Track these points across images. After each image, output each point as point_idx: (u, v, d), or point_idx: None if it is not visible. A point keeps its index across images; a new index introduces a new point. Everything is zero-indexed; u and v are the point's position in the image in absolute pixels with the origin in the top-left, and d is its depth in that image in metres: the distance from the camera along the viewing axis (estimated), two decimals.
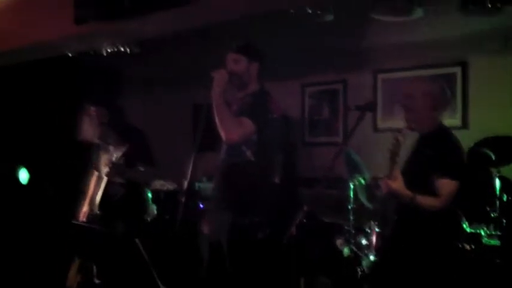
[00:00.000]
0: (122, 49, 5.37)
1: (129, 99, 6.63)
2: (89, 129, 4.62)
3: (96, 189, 4.66)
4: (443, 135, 3.25)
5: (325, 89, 6.24)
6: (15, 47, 5.27)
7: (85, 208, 4.60)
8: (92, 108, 4.58)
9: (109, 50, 5.37)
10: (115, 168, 4.27)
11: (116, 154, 4.33)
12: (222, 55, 3.59)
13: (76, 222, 3.23)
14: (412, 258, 3.13)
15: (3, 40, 5.29)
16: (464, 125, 5.12)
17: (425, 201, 3.09)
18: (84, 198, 4.68)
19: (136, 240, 2.89)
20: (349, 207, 4.67)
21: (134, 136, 4.46)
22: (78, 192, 4.88)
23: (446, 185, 3.10)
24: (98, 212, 4.44)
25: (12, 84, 6.31)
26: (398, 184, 3.11)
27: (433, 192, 3.11)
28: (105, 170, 4.54)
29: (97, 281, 4.82)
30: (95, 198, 4.57)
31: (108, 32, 4.77)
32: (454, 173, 3.12)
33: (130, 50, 5.43)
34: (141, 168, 4.41)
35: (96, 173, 4.75)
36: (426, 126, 3.28)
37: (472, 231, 3.68)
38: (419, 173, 3.15)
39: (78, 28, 4.59)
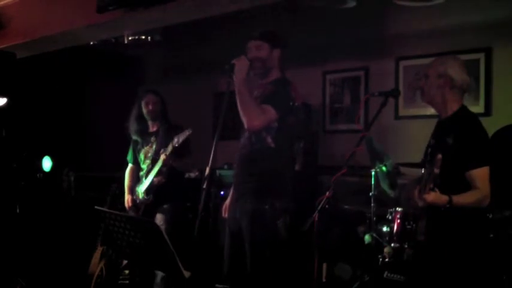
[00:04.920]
0: (144, 37, 5.39)
1: (150, 87, 6.65)
2: (137, 120, 4.78)
3: (133, 179, 4.77)
4: (465, 118, 3.14)
5: (346, 76, 6.21)
6: (39, 37, 5.32)
7: (128, 197, 4.73)
8: (149, 96, 4.74)
9: (130, 38, 5.39)
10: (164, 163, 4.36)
11: (165, 147, 4.39)
12: (243, 42, 3.59)
13: (99, 208, 3.24)
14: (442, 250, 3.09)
15: (26, 31, 5.35)
16: (487, 111, 5.07)
17: (464, 199, 2.96)
18: (125, 189, 4.83)
19: (162, 226, 2.92)
20: (371, 194, 4.67)
21: (178, 130, 4.52)
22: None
23: (479, 174, 2.98)
24: (145, 198, 4.55)
25: (41, 73, 6.39)
26: (433, 196, 2.90)
27: (465, 184, 3.00)
28: (146, 161, 4.63)
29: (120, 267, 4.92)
30: (135, 187, 4.66)
31: (130, 20, 4.79)
32: (484, 159, 3.00)
33: (151, 38, 5.46)
34: (183, 160, 4.51)
35: (131, 165, 4.86)
36: (445, 107, 3.19)
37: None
38: (447, 167, 2.93)
39: (101, 17, 4.63)
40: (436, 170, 2.80)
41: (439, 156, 2.81)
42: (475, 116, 3.22)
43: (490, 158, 3.02)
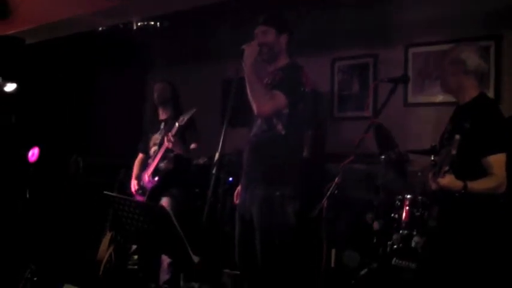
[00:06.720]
0: (152, 23, 5.38)
1: (158, 74, 6.65)
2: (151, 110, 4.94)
3: (141, 168, 4.83)
4: (484, 104, 3.10)
5: (355, 64, 6.18)
6: (47, 23, 5.32)
7: (134, 182, 4.78)
8: (157, 84, 4.90)
9: (139, 24, 5.39)
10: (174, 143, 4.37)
11: (171, 129, 4.41)
12: (252, 29, 3.58)
13: (108, 193, 3.26)
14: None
15: (35, 17, 5.35)
16: (498, 99, 5.04)
17: (479, 185, 2.93)
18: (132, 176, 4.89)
19: (169, 210, 2.93)
20: (379, 181, 4.67)
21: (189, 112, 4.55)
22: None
23: (496, 160, 2.94)
24: (151, 180, 4.59)
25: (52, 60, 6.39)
26: (448, 179, 2.87)
27: (481, 170, 2.96)
28: (153, 148, 4.68)
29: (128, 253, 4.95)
30: (141, 176, 4.70)
31: (138, 6, 4.78)
32: (501, 145, 2.96)
33: (160, 24, 5.45)
34: (192, 146, 4.61)
35: (141, 155, 4.90)
36: (462, 94, 3.16)
37: None
38: (463, 152, 2.85)
39: (109, 3, 4.62)
40: (454, 151, 2.77)
41: (457, 136, 2.78)
42: (494, 103, 3.20)
43: (508, 145, 2.98)
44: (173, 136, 4.33)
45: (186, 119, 4.28)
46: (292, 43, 3.58)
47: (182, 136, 4.44)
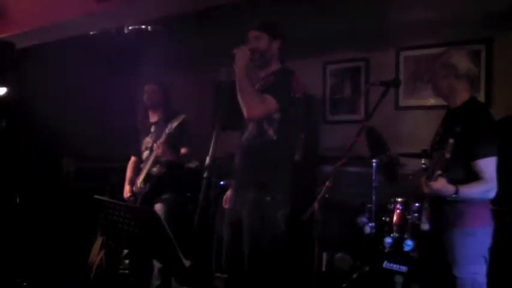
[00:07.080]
0: (144, 27, 5.37)
1: (150, 76, 6.62)
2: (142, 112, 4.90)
3: (134, 171, 4.84)
4: (475, 108, 3.10)
5: (347, 67, 6.20)
6: (38, 27, 5.30)
7: (127, 187, 4.77)
8: (148, 85, 4.82)
9: (131, 28, 5.38)
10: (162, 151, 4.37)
11: (160, 137, 4.39)
12: (244, 33, 3.58)
13: (99, 197, 3.24)
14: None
15: (26, 20, 5.32)
16: (488, 102, 5.06)
17: (470, 190, 2.94)
18: (125, 180, 4.89)
19: (162, 215, 2.92)
20: (371, 185, 4.67)
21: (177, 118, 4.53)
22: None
23: (486, 164, 2.94)
24: (142, 187, 4.59)
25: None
26: (440, 183, 2.88)
27: (472, 175, 2.96)
28: (145, 153, 4.67)
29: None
30: (134, 179, 4.69)
31: (129, 10, 4.77)
32: (491, 149, 2.97)
33: (152, 28, 5.44)
34: (182, 150, 4.60)
35: (133, 157, 4.89)
36: (453, 97, 3.16)
37: None
38: (455, 157, 2.84)
39: (100, 6, 4.61)
40: (447, 155, 2.77)
41: (451, 140, 2.78)
42: (485, 107, 3.20)
43: (498, 149, 2.98)
44: (162, 144, 4.32)
45: (174, 126, 4.26)
46: (284, 49, 3.58)
47: (172, 142, 4.42)
